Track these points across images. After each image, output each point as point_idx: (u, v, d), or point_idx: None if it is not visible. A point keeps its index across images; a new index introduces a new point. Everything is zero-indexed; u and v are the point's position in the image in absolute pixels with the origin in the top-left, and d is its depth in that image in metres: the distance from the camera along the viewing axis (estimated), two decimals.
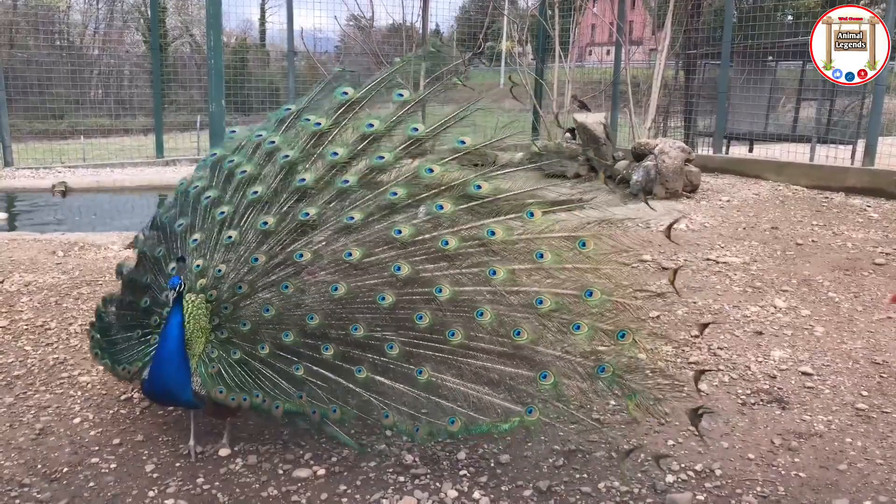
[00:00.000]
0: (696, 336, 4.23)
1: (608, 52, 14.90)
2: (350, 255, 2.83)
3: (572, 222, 2.88)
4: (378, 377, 2.81)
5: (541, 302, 2.72)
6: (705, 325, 3.73)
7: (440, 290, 2.76)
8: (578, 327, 2.70)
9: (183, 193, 3.27)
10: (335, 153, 3.02)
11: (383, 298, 2.78)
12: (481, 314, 2.73)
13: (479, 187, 2.87)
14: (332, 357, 2.82)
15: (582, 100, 11.16)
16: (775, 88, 11.51)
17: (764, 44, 10.31)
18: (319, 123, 3.12)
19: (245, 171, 3.12)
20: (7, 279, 4.97)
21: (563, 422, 2.76)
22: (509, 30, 13.31)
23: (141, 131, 14.56)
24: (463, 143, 2.99)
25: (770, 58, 10.93)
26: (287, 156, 3.07)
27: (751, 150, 10.89)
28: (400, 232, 2.83)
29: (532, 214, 2.85)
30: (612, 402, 3.43)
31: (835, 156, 8.90)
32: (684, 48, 11.53)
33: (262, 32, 21.60)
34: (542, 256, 2.79)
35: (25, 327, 4.23)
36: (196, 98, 14.88)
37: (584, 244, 2.79)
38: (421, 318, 2.77)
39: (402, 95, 3.09)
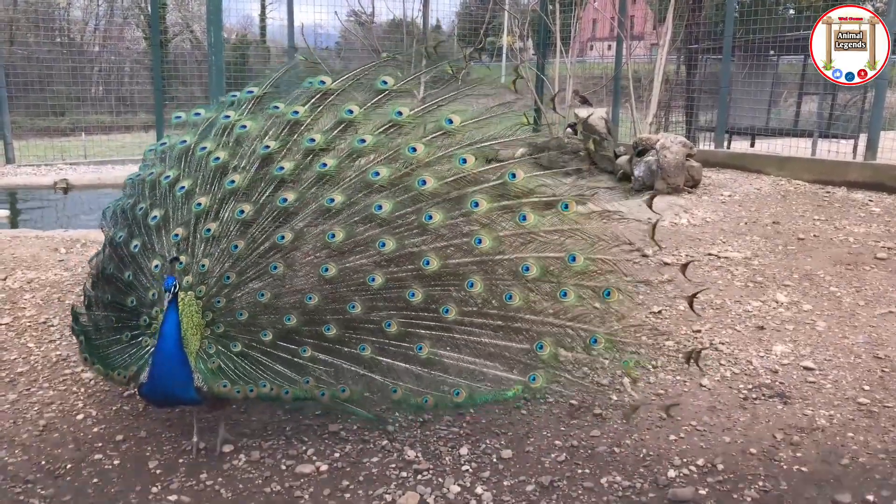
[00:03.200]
0: (698, 331, 4.24)
1: (609, 48, 14.84)
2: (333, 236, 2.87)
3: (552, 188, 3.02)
4: (381, 357, 2.87)
5: (527, 269, 2.84)
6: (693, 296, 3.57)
7: (427, 262, 2.84)
8: (565, 293, 2.85)
9: (150, 182, 3.21)
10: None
11: (373, 279, 2.84)
12: (472, 284, 2.83)
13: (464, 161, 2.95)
14: (335, 337, 2.85)
15: (583, 95, 11.11)
16: (777, 83, 11.46)
17: (765, 38, 10.28)
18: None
19: (219, 159, 3.09)
20: (10, 276, 4.97)
21: (566, 386, 2.95)
22: (510, 25, 13.27)
23: (142, 128, 14.54)
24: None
25: (772, 52, 10.89)
26: (268, 146, 3.06)
27: (752, 145, 10.85)
28: (381, 207, 2.87)
29: (514, 176, 2.92)
30: (614, 398, 3.45)
31: (836, 150, 8.87)
32: (685, 43, 11.48)
33: (263, 28, 21.53)
34: (524, 219, 2.89)
35: (28, 324, 4.23)
36: (197, 94, 14.84)
37: (566, 206, 2.92)
38: (413, 294, 2.84)
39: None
